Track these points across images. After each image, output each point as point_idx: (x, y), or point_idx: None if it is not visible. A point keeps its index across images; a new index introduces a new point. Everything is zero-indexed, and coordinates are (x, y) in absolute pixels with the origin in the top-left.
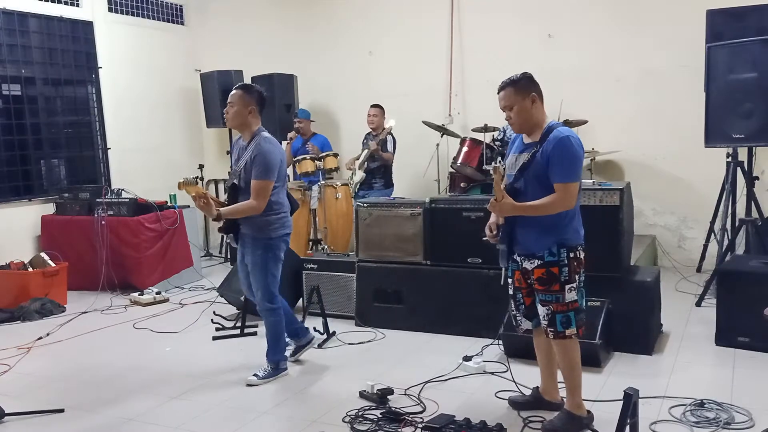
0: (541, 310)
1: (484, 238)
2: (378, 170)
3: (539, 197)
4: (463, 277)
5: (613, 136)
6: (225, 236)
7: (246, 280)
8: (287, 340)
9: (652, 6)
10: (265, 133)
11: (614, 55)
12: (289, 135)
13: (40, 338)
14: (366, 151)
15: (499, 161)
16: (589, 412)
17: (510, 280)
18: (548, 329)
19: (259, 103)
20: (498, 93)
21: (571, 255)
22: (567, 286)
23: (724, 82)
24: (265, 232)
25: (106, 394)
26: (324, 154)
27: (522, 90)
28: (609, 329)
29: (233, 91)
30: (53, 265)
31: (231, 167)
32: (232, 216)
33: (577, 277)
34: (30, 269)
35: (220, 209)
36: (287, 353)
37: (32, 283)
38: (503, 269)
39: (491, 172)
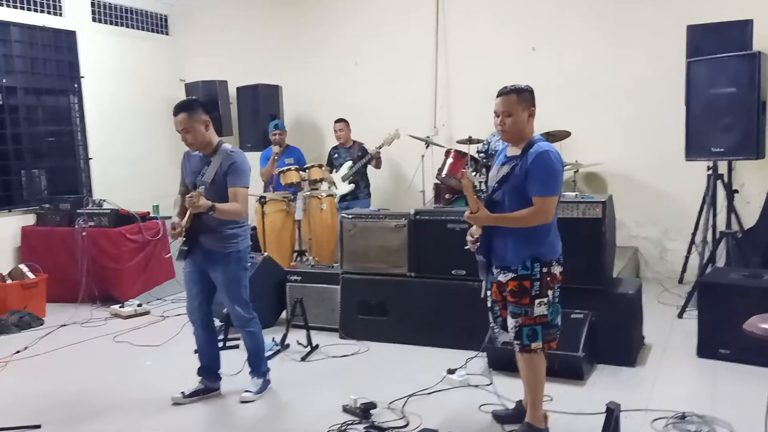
0: (510, 322)
1: (466, 247)
2: (363, 180)
3: (516, 210)
4: (448, 289)
5: (595, 149)
6: (180, 247)
7: (198, 296)
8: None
9: (634, 21)
10: (228, 144)
11: (597, 69)
12: (275, 150)
13: (18, 352)
14: (350, 162)
15: (468, 168)
16: (546, 426)
17: (489, 293)
18: (515, 341)
19: (207, 113)
20: (498, 97)
21: (545, 270)
22: (537, 300)
23: (704, 97)
24: (233, 245)
25: (85, 410)
26: (309, 165)
27: (525, 101)
28: (592, 341)
29: (178, 117)
30: (32, 277)
31: (186, 180)
32: (223, 212)
33: (549, 292)
34: (9, 281)
35: (214, 203)
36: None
37: (10, 296)
38: (483, 281)
39: (461, 178)
